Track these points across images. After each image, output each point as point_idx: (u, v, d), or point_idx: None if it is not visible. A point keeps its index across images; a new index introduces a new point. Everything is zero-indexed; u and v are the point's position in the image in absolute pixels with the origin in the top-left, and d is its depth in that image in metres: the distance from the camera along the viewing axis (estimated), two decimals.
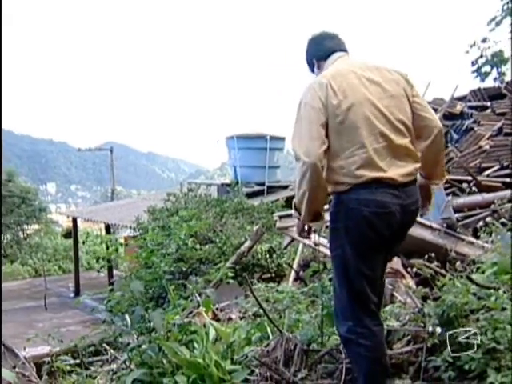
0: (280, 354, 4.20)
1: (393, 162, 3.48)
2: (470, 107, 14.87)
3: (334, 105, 3.44)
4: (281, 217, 8.08)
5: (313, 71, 3.94)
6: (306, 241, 7.30)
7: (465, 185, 8.07)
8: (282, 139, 17.61)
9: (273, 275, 9.45)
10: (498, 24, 29.56)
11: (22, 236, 36.02)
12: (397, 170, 3.47)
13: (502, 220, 5.99)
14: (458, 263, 5.67)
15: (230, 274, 6.46)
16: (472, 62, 28.68)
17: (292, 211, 3.73)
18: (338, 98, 3.45)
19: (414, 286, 5.91)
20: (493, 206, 7.12)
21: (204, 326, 4.95)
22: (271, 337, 4.58)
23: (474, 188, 7.96)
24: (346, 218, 3.43)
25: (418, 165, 3.64)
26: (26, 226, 36.51)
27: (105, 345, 6.27)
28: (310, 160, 3.36)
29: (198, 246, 10.03)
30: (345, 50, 3.86)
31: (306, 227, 3.73)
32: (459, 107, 14.83)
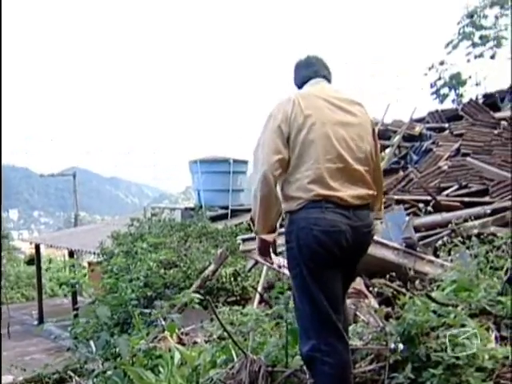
0: (245, 376, 4.22)
1: (346, 185, 3.57)
2: (429, 129, 15.16)
3: (298, 120, 3.55)
4: (244, 240, 8.14)
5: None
6: (269, 264, 7.37)
7: (421, 205, 8.20)
8: (245, 162, 17.70)
9: (238, 298, 9.45)
10: (454, 47, 30.22)
11: None
12: (348, 192, 3.56)
13: (460, 239, 6.11)
14: (418, 282, 5.79)
15: (196, 300, 6.48)
16: (431, 84, 29.24)
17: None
18: (303, 114, 3.56)
19: (377, 306, 5.99)
20: (451, 225, 7.25)
21: (169, 350, 4.96)
22: (236, 359, 4.61)
23: (431, 208, 8.09)
24: (298, 237, 3.51)
25: (372, 192, 3.75)
26: None
27: (70, 372, 6.22)
28: (263, 168, 3.52)
29: (162, 271, 10.01)
30: (322, 76, 3.95)
31: (263, 242, 3.78)
32: (418, 129, 15.12)
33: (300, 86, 3.97)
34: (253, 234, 8.56)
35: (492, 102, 15.53)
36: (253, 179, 3.63)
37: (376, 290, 6.22)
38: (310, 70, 3.95)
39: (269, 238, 3.71)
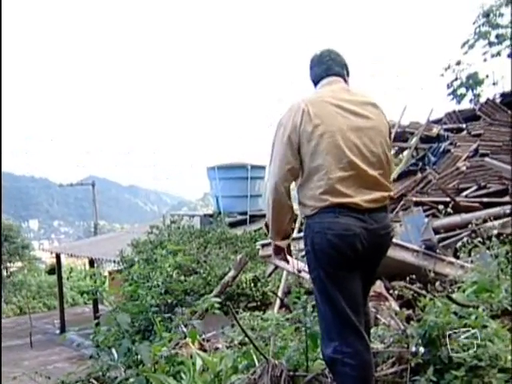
0: (266, 380, 4.23)
1: (359, 191, 3.56)
2: (446, 129, 15.07)
3: (307, 130, 3.54)
4: (263, 245, 8.14)
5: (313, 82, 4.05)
6: (289, 267, 7.37)
7: (441, 206, 8.17)
8: (263, 168, 17.74)
9: (258, 304, 9.47)
10: (471, 47, 30.06)
11: (5, 274, 35.66)
12: (362, 197, 3.55)
13: (480, 239, 6.08)
14: (438, 283, 5.77)
15: (216, 305, 6.49)
16: (447, 85, 29.10)
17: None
18: (312, 123, 3.53)
19: (397, 308, 5.98)
20: (470, 225, 7.21)
21: (191, 356, 4.98)
22: (257, 364, 4.61)
23: (450, 209, 8.05)
24: (313, 241, 3.55)
25: (387, 193, 3.73)
26: (8, 264, 36.11)
27: (92, 380, 6.26)
28: (274, 179, 3.61)
29: (182, 278, 10.04)
30: (334, 74, 3.90)
31: (278, 248, 3.92)
32: (435, 130, 15.03)
33: (316, 83, 3.96)
34: (269, 240, 8.57)
35: (509, 100, 15.41)
36: (266, 188, 3.71)
37: (396, 292, 6.20)
38: (321, 68, 3.93)
39: (282, 244, 3.86)
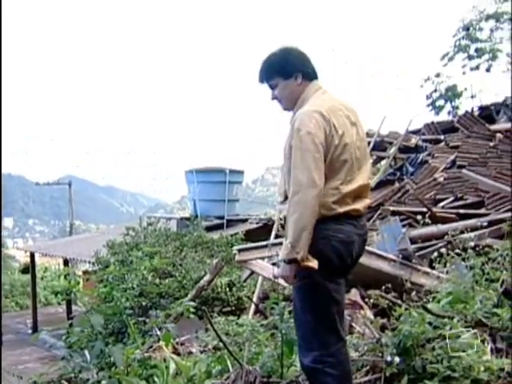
0: None
1: (358, 199, 3.62)
2: (425, 140, 15.23)
3: (335, 140, 3.49)
4: (240, 250, 8.12)
5: (286, 78, 3.75)
6: (265, 273, 7.37)
7: (419, 217, 8.23)
8: (241, 173, 17.76)
9: (233, 308, 9.45)
10: (450, 59, 30.40)
11: None
12: (360, 204, 3.62)
13: (456, 250, 6.11)
14: (414, 293, 5.79)
15: (191, 310, 6.46)
16: (427, 96, 29.37)
17: (281, 256, 3.47)
18: (338, 133, 3.50)
19: (372, 317, 5.99)
20: (447, 236, 7.26)
21: (164, 360, 4.95)
22: (231, 370, 4.60)
23: (427, 220, 8.10)
24: (315, 247, 3.42)
25: (369, 200, 3.83)
26: None
27: (64, 382, 6.19)
28: (316, 191, 3.35)
29: (157, 281, 9.99)
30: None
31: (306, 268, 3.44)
32: (414, 140, 15.18)
33: (310, 78, 3.77)
34: (249, 244, 8.57)
35: (487, 114, 15.60)
36: (294, 202, 3.37)
37: (372, 301, 6.22)
38: (312, 67, 3.81)
39: (316, 264, 3.42)
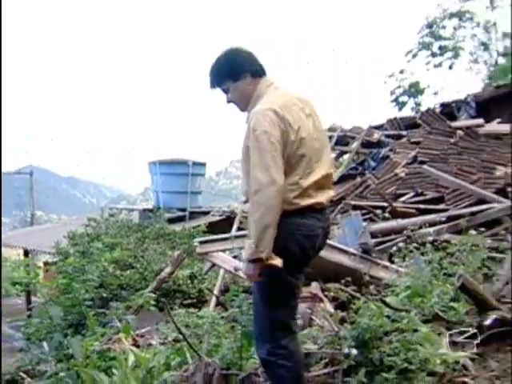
0: (199, 378, 4.23)
1: (321, 191, 3.64)
2: (387, 136, 15.36)
3: (291, 137, 3.49)
4: (201, 242, 8.11)
5: (236, 81, 3.75)
6: (226, 265, 7.38)
7: (378, 211, 8.31)
8: (204, 165, 17.73)
9: (194, 301, 9.43)
10: (414, 56, 30.76)
11: None
12: (323, 196, 3.64)
13: (415, 245, 6.18)
14: (372, 287, 5.85)
15: (152, 302, 6.44)
16: (391, 92, 29.69)
17: (245, 255, 3.49)
18: (293, 129, 3.49)
19: (332, 310, 6.03)
20: (405, 231, 7.34)
21: (123, 352, 4.93)
22: (190, 362, 4.60)
23: (387, 214, 8.19)
24: (280, 242, 3.42)
25: (333, 192, 3.84)
26: None
27: (22, 373, 6.13)
28: (276, 189, 3.35)
29: (118, 272, 9.93)
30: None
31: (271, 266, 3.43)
32: (376, 136, 15.31)
33: (259, 75, 3.76)
34: (212, 237, 8.56)
35: (449, 111, 15.79)
36: (255, 201, 3.38)
37: (332, 294, 6.27)
38: (255, 65, 3.79)
39: (280, 262, 3.43)
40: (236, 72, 3.74)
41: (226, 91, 3.82)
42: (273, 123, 3.44)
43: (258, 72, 3.77)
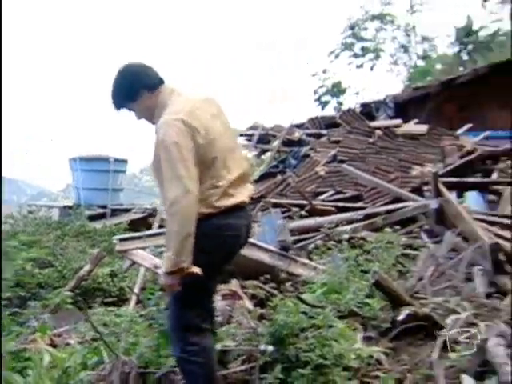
0: (116, 377, 4.20)
1: (241, 188, 3.68)
2: (308, 134, 15.57)
3: (198, 142, 3.46)
4: (121, 240, 8.03)
5: (135, 100, 3.73)
6: (146, 263, 7.34)
7: (297, 209, 8.42)
8: (125, 162, 17.52)
9: (115, 299, 9.32)
10: (337, 56, 31.28)
11: None
12: (245, 193, 3.69)
13: (332, 242, 6.31)
14: (289, 284, 5.93)
15: (69, 300, 6.35)
16: (314, 91, 30.10)
17: (165, 268, 3.47)
18: (201, 134, 3.47)
19: (251, 307, 6.08)
20: (322, 229, 7.46)
21: (39, 352, 4.84)
22: (107, 361, 4.57)
23: (304, 212, 8.32)
24: (202, 241, 3.42)
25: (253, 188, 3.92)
26: None
27: None
28: (191, 198, 3.34)
29: (36, 271, 9.73)
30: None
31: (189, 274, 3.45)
32: (297, 134, 15.51)
33: (155, 87, 3.71)
34: (132, 234, 8.50)
35: (368, 111, 16.14)
36: (171, 213, 3.38)
37: (251, 291, 6.32)
38: (150, 78, 3.75)
39: (199, 270, 3.43)
40: (132, 92, 3.71)
41: (131, 110, 3.81)
42: (181, 132, 3.43)
43: (156, 84, 3.73)
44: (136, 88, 3.69)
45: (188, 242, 3.35)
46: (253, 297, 6.44)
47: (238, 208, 3.62)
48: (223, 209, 3.53)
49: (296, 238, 7.94)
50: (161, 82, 3.76)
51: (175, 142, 3.40)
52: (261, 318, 5.32)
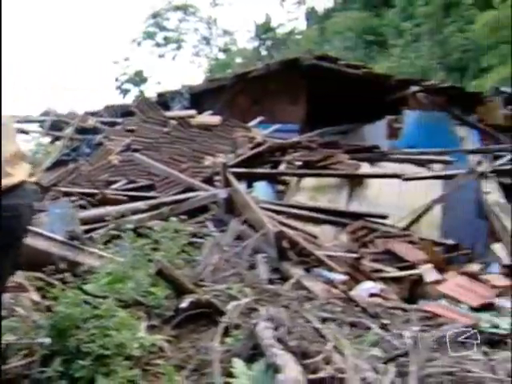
0: None
1: (17, 167, 3.44)
2: (103, 122, 15.37)
3: None
4: None
5: None
6: None
7: (89, 198, 8.31)
8: None
9: None
10: (139, 45, 31.13)
11: None
12: (20, 172, 3.45)
13: (120, 232, 6.30)
14: (71, 273, 5.83)
15: None
16: (116, 79, 29.75)
17: None
18: None
19: (38, 299, 5.93)
20: (109, 218, 7.42)
21: None
22: None
23: (94, 201, 8.24)
24: None
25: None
26: None
27: None
28: None
29: None
30: None
31: None
32: (91, 122, 15.27)
33: None
34: None
35: (164, 101, 16.23)
36: None
37: (37, 283, 6.15)
38: None
39: None
40: None
41: None
42: None
43: None
44: None
45: None
46: (40, 288, 6.28)
47: (16, 187, 3.41)
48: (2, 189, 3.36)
49: (87, 227, 7.83)
50: None
51: None
52: (48, 310, 5.21)
